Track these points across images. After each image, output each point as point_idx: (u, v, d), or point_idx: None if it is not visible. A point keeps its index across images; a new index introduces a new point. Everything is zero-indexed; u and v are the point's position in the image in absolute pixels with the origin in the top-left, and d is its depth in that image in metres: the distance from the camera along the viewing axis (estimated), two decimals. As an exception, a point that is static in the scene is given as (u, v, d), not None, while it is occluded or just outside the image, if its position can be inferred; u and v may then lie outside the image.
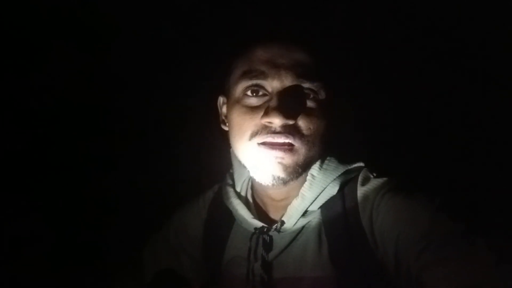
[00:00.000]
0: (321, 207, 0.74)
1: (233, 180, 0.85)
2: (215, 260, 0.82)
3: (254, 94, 0.70)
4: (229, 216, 0.82)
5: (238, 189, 0.84)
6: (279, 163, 0.68)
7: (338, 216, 0.72)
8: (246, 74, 0.70)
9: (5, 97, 1.16)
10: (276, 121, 0.66)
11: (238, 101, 0.72)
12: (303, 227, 0.75)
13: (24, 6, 1.15)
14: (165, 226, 0.93)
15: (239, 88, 0.71)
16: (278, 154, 0.68)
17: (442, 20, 1.10)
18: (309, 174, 0.74)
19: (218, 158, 0.91)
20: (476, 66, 1.10)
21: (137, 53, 1.21)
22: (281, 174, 0.69)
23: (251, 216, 0.77)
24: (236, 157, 0.83)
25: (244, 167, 0.78)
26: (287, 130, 0.67)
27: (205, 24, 1.18)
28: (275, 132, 0.67)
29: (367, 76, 1.08)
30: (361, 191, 0.72)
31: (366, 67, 1.07)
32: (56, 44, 1.19)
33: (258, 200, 0.82)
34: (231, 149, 0.84)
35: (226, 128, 0.79)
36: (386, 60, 1.13)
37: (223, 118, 0.81)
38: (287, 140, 0.67)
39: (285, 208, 0.76)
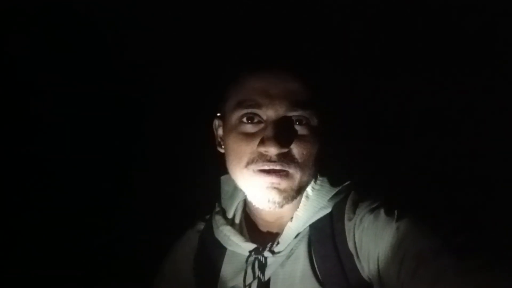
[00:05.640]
0: (310, 226, 0.77)
1: (222, 208, 0.87)
2: None
3: (250, 121, 0.72)
4: (220, 246, 0.82)
5: (230, 215, 0.86)
6: (275, 188, 0.72)
7: (326, 236, 0.75)
8: (241, 104, 0.72)
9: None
10: (272, 150, 0.69)
11: (234, 128, 0.74)
12: (294, 246, 0.77)
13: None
14: (156, 277, 0.91)
15: (235, 116, 0.73)
16: (274, 180, 0.71)
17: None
18: (303, 196, 0.77)
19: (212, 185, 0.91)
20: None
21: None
22: (277, 198, 0.72)
23: (243, 239, 0.79)
24: (227, 182, 0.87)
25: (239, 190, 0.82)
26: (281, 158, 0.70)
27: (199, 51, 1.21)
28: (270, 161, 0.71)
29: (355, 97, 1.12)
30: (348, 212, 0.75)
31: (355, 90, 1.10)
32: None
33: (251, 222, 0.84)
34: (221, 177, 0.88)
35: (222, 151, 0.81)
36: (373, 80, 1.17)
37: (219, 140, 0.83)
38: (282, 168, 0.71)
39: (278, 227, 0.79)
